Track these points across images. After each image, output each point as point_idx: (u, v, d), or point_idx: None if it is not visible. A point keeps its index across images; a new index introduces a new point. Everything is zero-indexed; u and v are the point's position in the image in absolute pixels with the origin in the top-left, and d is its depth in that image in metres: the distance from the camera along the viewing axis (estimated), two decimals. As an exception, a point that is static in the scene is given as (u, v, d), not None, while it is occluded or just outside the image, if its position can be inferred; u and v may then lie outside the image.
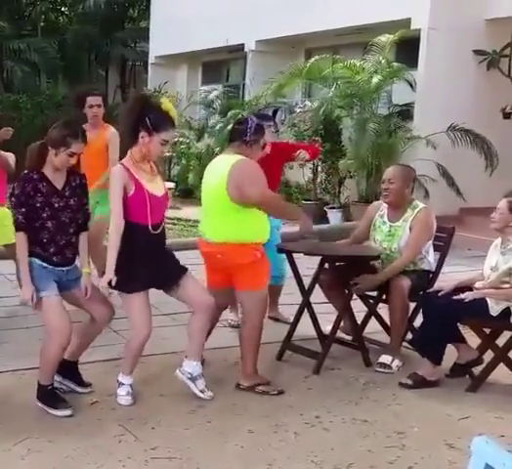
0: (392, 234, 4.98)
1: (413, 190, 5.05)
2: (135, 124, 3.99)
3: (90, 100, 6.08)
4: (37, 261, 3.90)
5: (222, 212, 4.30)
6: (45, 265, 3.92)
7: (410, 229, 4.91)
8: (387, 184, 4.95)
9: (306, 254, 5.06)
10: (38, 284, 3.87)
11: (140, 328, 4.02)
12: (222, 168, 4.27)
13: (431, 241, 4.99)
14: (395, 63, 10.70)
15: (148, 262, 4.02)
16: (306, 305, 5.01)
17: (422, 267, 5.00)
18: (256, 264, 4.32)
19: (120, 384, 4.12)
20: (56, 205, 3.90)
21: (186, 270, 4.19)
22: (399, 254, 4.92)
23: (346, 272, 5.00)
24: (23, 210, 3.85)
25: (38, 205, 3.86)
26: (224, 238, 4.29)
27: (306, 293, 5.03)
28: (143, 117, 3.95)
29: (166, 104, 4.11)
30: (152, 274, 4.03)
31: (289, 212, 4.63)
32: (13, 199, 3.90)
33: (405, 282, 4.77)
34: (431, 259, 5.03)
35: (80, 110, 6.14)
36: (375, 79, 10.33)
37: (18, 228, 3.88)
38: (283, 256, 5.20)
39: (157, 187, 4.09)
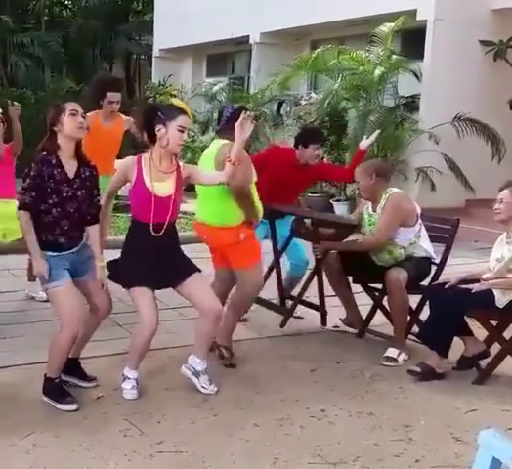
0: (372, 222, 5.06)
1: (385, 179, 5.06)
2: (150, 122, 4.02)
3: (110, 95, 6.01)
4: (46, 252, 3.88)
5: (209, 195, 4.59)
6: (54, 254, 3.89)
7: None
8: (357, 184, 5.22)
9: (286, 213, 5.46)
10: (50, 274, 3.85)
11: (146, 324, 4.01)
12: (209, 152, 4.59)
13: (420, 226, 4.98)
14: (394, 56, 10.57)
15: (148, 260, 4.02)
16: (276, 264, 5.43)
17: (417, 254, 4.97)
18: (241, 245, 4.52)
19: (125, 378, 4.12)
20: (64, 194, 3.88)
21: (195, 271, 4.16)
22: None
23: (351, 260, 5.12)
24: (34, 194, 3.83)
25: (48, 190, 3.84)
26: (207, 220, 4.62)
27: (278, 252, 5.39)
28: (155, 114, 4.01)
29: (175, 101, 4.28)
30: (153, 272, 4.01)
31: (252, 212, 4.60)
32: (27, 180, 3.85)
33: (401, 275, 4.76)
34: (425, 245, 5.00)
35: (96, 100, 6.05)
36: (378, 71, 10.28)
37: (23, 207, 3.86)
38: (303, 244, 5.58)
39: (164, 187, 4.04)
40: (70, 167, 3.92)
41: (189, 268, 4.15)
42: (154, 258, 4.03)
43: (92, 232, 4.08)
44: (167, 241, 4.09)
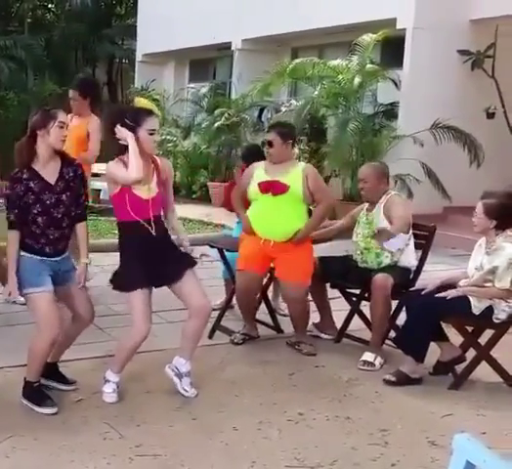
0: (369, 221, 5.08)
1: (388, 182, 5.22)
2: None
3: (70, 93, 6.40)
4: (30, 255, 3.91)
5: None
6: (38, 257, 3.91)
7: (387, 216, 4.98)
8: (362, 184, 5.15)
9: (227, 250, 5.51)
10: (31, 279, 3.86)
11: (137, 329, 4.03)
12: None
13: (410, 236, 5.04)
14: (370, 65, 10.64)
15: (144, 259, 4.05)
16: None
17: (402, 263, 5.03)
18: None
19: (106, 381, 4.13)
20: (47, 202, 3.89)
21: (189, 266, 4.17)
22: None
23: (329, 265, 5.21)
24: (16, 211, 3.87)
25: (30, 202, 3.86)
26: None
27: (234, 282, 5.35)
28: (123, 120, 3.99)
29: (138, 100, 4.27)
30: (150, 270, 4.04)
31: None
32: (7, 200, 3.90)
33: (388, 280, 4.81)
34: (411, 255, 5.07)
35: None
36: (357, 79, 10.36)
37: (10, 226, 3.89)
38: None
39: (147, 189, 4.05)
40: (51, 171, 3.93)
41: (182, 265, 4.16)
42: (150, 256, 4.05)
43: (79, 229, 4.09)
44: (160, 237, 4.12)
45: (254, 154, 5.74)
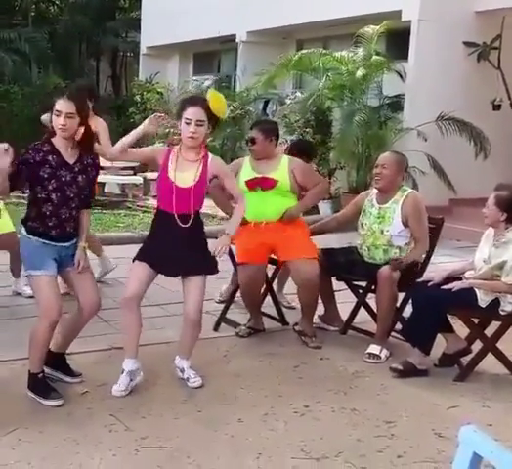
0: (381, 215, 5.02)
1: (404, 178, 5.14)
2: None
3: None
4: (36, 238, 3.90)
5: None
6: (45, 241, 3.90)
7: (406, 220, 4.93)
8: (380, 169, 5.01)
9: None
10: (35, 262, 3.87)
11: (125, 289, 4.13)
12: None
13: None
14: (375, 57, 10.58)
15: (158, 244, 4.13)
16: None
17: None
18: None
19: (122, 371, 4.14)
20: (63, 179, 3.87)
21: (202, 273, 4.16)
22: (388, 238, 4.97)
23: (335, 258, 5.19)
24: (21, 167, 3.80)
25: (45, 176, 3.83)
26: None
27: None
28: None
29: (211, 93, 4.30)
30: (156, 253, 4.12)
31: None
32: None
33: (394, 273, 4.80)
34: None
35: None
36: (360, 72, 10.33)
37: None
38: None
39: (186, 177, 4.10)
40: (70, 155, 3.92)
41: (198, 267, 4.16)
42: (168, 244, 4.10)
43: (83, 215, 4.08)
44: (186, 232, 4.12)
45: (302, 151, 5.83)
